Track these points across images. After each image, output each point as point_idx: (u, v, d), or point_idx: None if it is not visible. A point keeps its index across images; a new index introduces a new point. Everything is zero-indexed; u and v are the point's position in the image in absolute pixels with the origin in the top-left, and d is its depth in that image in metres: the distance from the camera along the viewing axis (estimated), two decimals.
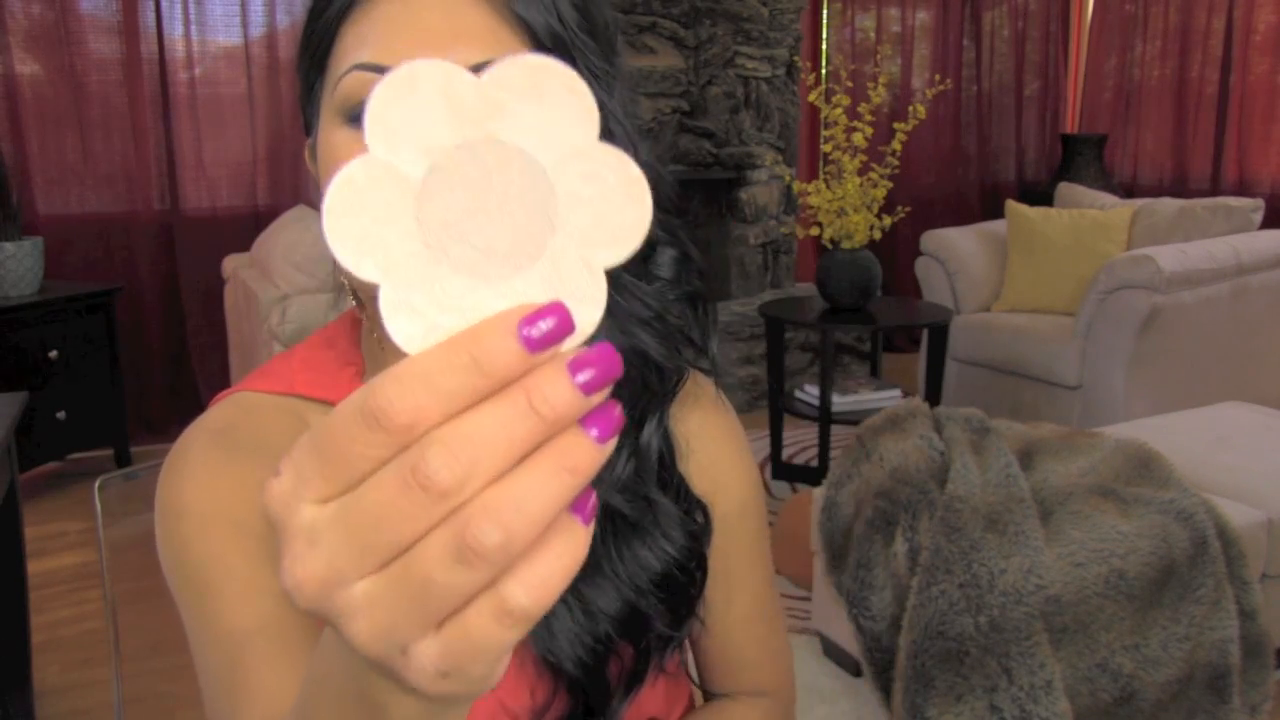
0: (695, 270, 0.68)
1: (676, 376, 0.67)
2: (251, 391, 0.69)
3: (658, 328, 0.64)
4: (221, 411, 0.68)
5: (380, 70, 0.56)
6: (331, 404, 0.68)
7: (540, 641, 0.66)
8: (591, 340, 0.28)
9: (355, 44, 0.58)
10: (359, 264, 0.28)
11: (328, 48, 0.60)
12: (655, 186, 0.63)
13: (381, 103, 0.27)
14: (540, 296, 0.28)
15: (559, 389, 0.27)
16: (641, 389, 0.65)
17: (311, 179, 0.65)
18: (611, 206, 0.28)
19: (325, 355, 0.71)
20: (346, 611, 0.28)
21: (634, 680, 0.69)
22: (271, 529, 0.57)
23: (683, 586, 0.69)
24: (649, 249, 0.64)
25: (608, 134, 0.61)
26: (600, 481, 0.65)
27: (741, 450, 0.78)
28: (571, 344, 0.28)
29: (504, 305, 0.28)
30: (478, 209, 0.28)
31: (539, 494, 0.27)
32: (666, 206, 0.66)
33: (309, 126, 0.65)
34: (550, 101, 0.28)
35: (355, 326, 0.73)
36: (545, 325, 0.27)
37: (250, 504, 0.63)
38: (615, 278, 0.58)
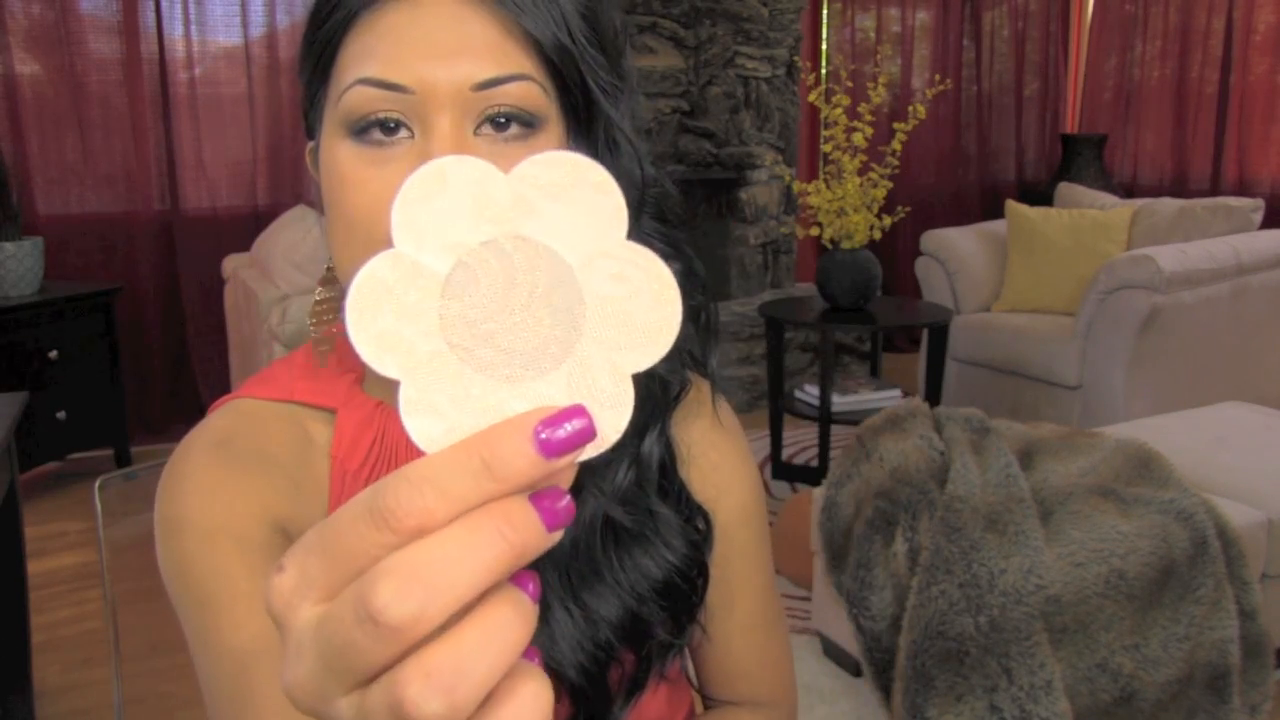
0: (699, 284, 0.67)
1: (679, 387, 0.67)
2: (251, 398, 0.68)
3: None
4: (221, 420, 0.67)
5: (385, 86, 0.55)
6: (331, 411, 0.68)
7: (542, 648, 0.65)
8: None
9: (360, 55, 0.57)
10: (380, 361, 0.28)
11: (331, 56, 0.59)
12: (660, 198, 0.62)
13: (410, 199, 0.27)
14: (564, 400, 0.28)
15: (529, 518, 0.26)
16: (644, 399, 0.65)
17: (312, 181, 0.65)
18: (640, 307, 0.28)
19: (326, 363, 0.71)
20: None
21: (635, 686, 0.69)
22: (274, 539, 0.56)
23: (684, 594, 0.69)
24: None
25: (612, 145, 0.60)
26: (602, 492, 0.65)
27: (744, 458, 0.77)
28: (594, 451, 0.27)
29: (526, 408, 0.27)
30: (503, 308, 0.27)
31: (485, 653, 0.25)
32: (671, 219, 0.66)
33: (311, 131, 0.64)
34: (580, 201, 0.28)
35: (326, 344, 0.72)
36: (568, 429, 0.26)
37: (252, 517, 0.62)
38: None
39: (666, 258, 0.66)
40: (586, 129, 0.60)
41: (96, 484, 1.12)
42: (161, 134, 3.92)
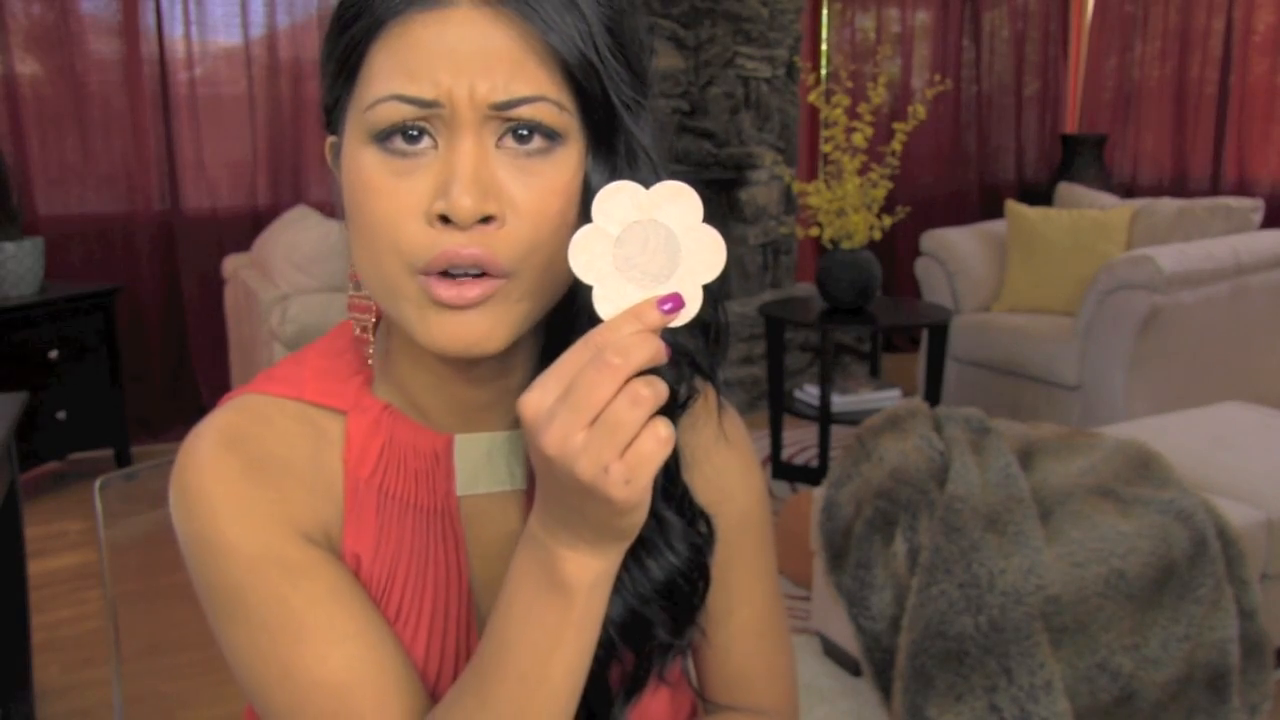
0: (711, 299, 0.69)
1: (686, 394, 0.68)
2: (261, 394, 0.69)
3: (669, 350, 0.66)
4: (230, 416, 0.67)
5: (414, 102, 0.57)
6: (341, 412, 0.69)
7: None
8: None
9: (390, 67, 0.58)
10: (585, 274, 0.53)
11: (358, 63, 0.60)
12: None
13: (602, 198, 0.53)
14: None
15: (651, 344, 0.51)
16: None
17: (330, 179, 0.67)
18: (706, 252, 0.54)
19: (335, 364, 0.71)
20: (572, 454, 0.50)
21: (635, 685, 0.70)
22: (309, 552, 0.64)
23: (685, 595, 0.70)
24: None
25: (631, 157, 0.62)
26: None
27: (749, 467, 0.79)
28: (685, 317, 0.53)
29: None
30: (643, 252, 0.53)
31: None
32: None
33: (332, 126, 0.65)
34: (682, 203, 0.53)
35: (359, 342, 0.72)
36: (671, 303, 0.52)
37: (286, 538, 0.64)
38: None
39: None
40: (608, 142, 0.61)
41: (96, 484, 1.12)
42: (161, 134, 3.92)
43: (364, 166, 0.59)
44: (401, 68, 0.57)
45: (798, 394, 3.58)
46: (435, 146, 0.58)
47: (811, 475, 3.42)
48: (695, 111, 4.61)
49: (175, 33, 3.90)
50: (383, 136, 0.58)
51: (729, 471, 0.77)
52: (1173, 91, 5.29)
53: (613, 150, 0.61)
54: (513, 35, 0.57)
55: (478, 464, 0.70)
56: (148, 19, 3.83)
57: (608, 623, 0.66)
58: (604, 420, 0.49)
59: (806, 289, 4.80)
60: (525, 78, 0.57)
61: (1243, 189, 4.90)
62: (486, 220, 0.57)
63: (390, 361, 0.70)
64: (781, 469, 3.52)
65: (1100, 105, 5.69)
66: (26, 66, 3.71)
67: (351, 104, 0.61)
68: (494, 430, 0.70)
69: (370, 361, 0.70)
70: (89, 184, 3.86)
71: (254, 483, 0.64)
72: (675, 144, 4.60)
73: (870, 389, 3.55)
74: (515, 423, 0.69)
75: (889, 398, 3.44)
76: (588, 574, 0.56)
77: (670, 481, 0.70)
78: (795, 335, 4.53)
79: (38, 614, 2.32)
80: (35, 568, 2.43)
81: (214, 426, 0.66)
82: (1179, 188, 5.19)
